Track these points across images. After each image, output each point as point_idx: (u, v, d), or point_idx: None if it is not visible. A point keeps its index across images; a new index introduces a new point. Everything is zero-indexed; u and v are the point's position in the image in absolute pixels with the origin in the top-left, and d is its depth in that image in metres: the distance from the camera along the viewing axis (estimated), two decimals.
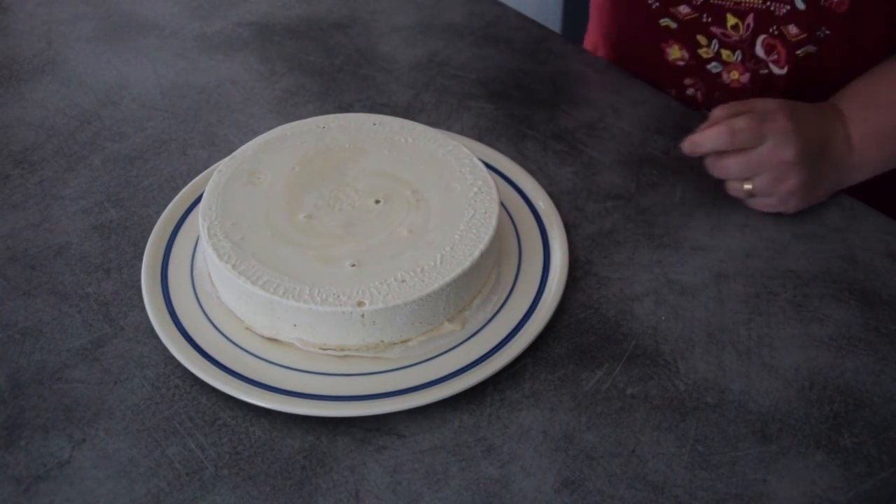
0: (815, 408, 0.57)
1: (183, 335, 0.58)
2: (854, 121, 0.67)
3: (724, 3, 0.71)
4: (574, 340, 0.60)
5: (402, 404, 0.54)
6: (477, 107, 0.80)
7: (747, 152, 0.64)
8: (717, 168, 0.66)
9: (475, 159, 0.65)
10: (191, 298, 0.61)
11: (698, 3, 0.73)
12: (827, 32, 0.69)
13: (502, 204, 0.64)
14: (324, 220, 0.61)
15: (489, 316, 0.60)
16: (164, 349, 0.58)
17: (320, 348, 0.57)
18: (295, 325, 0.56)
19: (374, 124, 0.69)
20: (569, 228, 0.68)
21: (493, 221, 0.60)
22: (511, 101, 0.81)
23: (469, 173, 0.64)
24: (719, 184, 0.72)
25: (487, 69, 0.85)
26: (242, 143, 0.68)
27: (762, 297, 0.63)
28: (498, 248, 0.63)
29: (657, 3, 0.75)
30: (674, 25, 0.76)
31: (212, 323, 0.59)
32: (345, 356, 0.57)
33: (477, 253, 0.58)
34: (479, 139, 0.76)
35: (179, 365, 0.57)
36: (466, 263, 0.57)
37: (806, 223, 0.69)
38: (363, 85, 0.83)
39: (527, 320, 0.60)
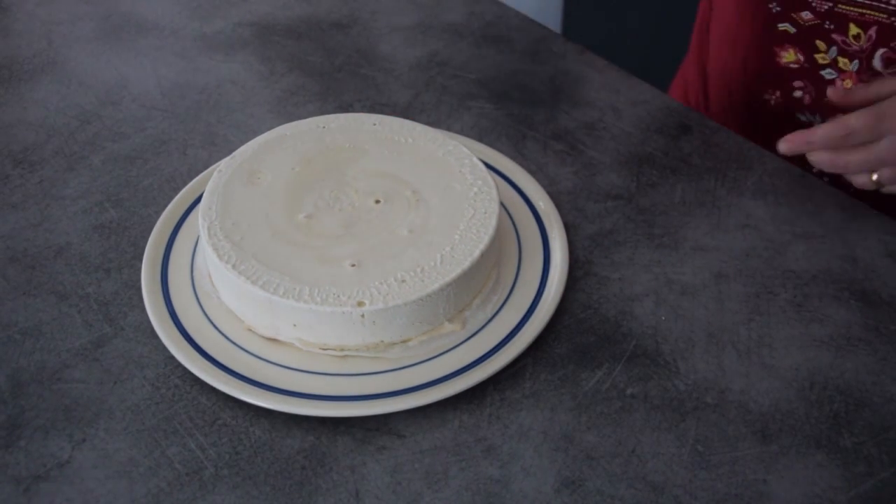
0: (815, 408, 0.57)
1: (183, 335, 0.58)
2: None
3: (848, 11, 0.70)
4: (574, 340, 0.60)
5: (403, 404, 0.54)
6: (477, 107, 0.80)
7: (867, 148, 0.63)
8: (833, 164, 0.65)
9: (475, 159, 0.65)
10: (191, 298, 0.61)
11: (822, 9, 0.71)
12: None
13: (502, 204, 0.64)
14: (324, 220, 0.61)
15: (489, 316, 0.60)
16: (164, 349, 0.58)
17: (320, 348, 0.57)
18: (295, 325, 0.56)
19: (374, 124, 0.69)
20: (569, 228, 0.68)
21: (493, 221, 0.60)
22: (511, 101, 0.81)
23: (469, 173, 0.64)
24: (719, 184, 0.72)
25: (487, 69, 0.85)
26: (242, 143, 0.68)
27: (762, 297, 0.63)
28: (498, 248, 0.63)
29: (779, 8, 0.74)
30: (793, 30, 0.75)
31: (212, 323, 0.59)
32: (345, 356, 0.57)
33: (477, 253, 0.58)
34: (479, 139, 0.76)
35: (179, 365, 0.57)
36: (466, 263, 0.57)
37: (806, 223, 0.69)
38: (363, 85, 0.83)
39: (527, 320, 0.60)
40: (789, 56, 0.77)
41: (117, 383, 0.57)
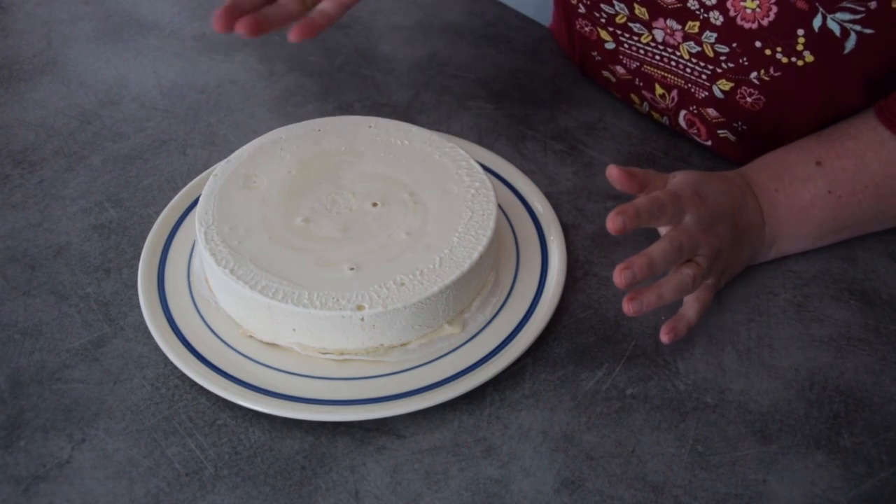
0: (815, 408, 0.57)
1: (181, 341, 0.58)
2: (764, 190, 0.63)
3: (653, 72, 0.73)
4: (574, 340, 0.60)
5: (403, 408, 0.54)
6: (477, 107, 0.80)
7: (677, 230, 0.57)
8: (645, 265, 0.54)
9: (472, 161, 0.65)
10: (188, 304, 0.60)
11: (632, 67, 0.75)
12: (744, 127, 0.69)
13: (499, 206, 0.64)
14: (321, 223, 0.60)
15: (488, 318, 0.60)
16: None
17: (320, 352, 0.57)
18: (294, 330, 0.56)
19: (370, 127, 0.68)
20: (569, 229, 0.68)
21: (491, 223, 0.60)
22: (511, 101, 0.81)
23: (466, 175, 0.64)
24: None
25: (487, 69, 0.85)
26: (242, 143, 0.68)
27: (762, 297, 0.63)
28: (496, 249, 0.63)
29: (599, 58, 0.77)
30: (613, 80, 0.78)
31: (209, 328, 0.59)
32: (344, 360, 0.57)
33: (475, 255, 0.58)
34: (479, 139, 0.76)
35: None
36: (465, 265, 0.57)
37: None
38: (363, 85, 0.83)
39: (526, 321, 0.59)
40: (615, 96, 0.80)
41: (117, 383, 0.57)
